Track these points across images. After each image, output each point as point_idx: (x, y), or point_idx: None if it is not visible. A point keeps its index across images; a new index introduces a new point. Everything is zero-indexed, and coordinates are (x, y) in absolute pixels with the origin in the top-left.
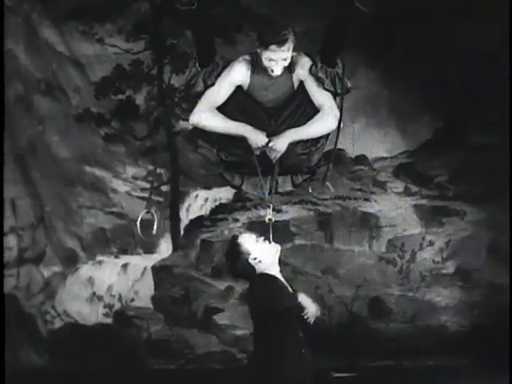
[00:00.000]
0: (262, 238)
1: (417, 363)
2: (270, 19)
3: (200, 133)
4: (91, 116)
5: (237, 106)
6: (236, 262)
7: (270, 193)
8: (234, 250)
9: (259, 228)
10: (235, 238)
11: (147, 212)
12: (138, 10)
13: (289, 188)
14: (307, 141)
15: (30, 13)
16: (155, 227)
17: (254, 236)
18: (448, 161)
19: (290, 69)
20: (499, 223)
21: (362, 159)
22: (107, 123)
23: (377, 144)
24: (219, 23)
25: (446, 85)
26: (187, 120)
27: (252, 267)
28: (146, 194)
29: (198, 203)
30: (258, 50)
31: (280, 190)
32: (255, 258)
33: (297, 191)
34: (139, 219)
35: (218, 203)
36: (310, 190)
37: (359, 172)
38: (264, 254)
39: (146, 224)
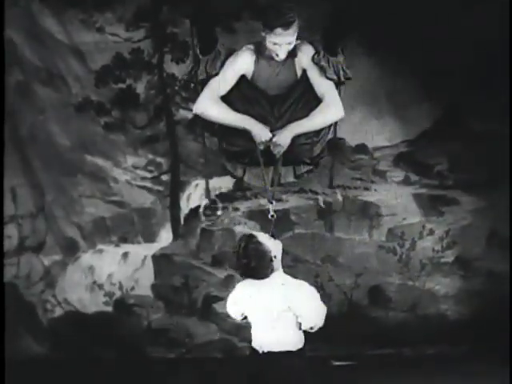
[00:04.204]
0: (269, 234)
1: (416, 352)
2: (272, 4)
3: (200, 122)
4: (91, 105)
5: (240, 95)
6: (261, 262)
7: (272, 185)
8: (257, 249)
9: (259, 217)
10: (254, 236)
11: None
12: None
13: (291, 179)
14: (309, 131)
15: (30, 1)
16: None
17: (265, 234)
18: (448, 149)
19: (293, 57)
20: (499, 212)
21: (361, 148)
22: (107, 112)
23: (376, 133)
24: (218, 11)
25: (446, 73)
26: (187, 109)
27: (272, 265)
28: (146, 183)
29: (198, 192)
30: (263, 34)
31: (282, 180)
32: (275, 256)
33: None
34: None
35: (218, 192)
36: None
37: (359, 161)
38: (277, 251)
39: (147, 213)
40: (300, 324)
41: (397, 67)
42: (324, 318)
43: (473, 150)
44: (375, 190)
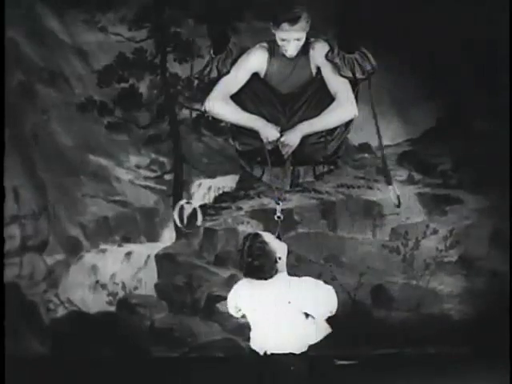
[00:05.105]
0: (275, 235)
1: (419, 351)
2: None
3: (203, 121)
4: (94, 104)
5: (252, 93)
6: (266, 261)
7: (291, 186)
8: (262, 249)
9: (262, 216)
10: (259, 235)
11: (187, 202)
12: None
13: (310, 179)
14: (321, 130)
15: (32, 1)
16: (199, 218)
17: (270, 234)
18: (451, 149)
19: (306, 54)
20: (502, 211)
21: (365, 147)
22: (110, 112)
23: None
24: (222, 12)
25: (449, 72)
26: (190, 108)
27: (276, 266)
28: (149, 183)
29: (201, 192)
30: (273, 31)
31: (301, 180)
32: (280, 258)
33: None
34: (177, 209)
35: (221, 192)
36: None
37: (362, 160)
38: (283, 252)
39: (150, 213)
40: (308, 322)
41: (400, 67)
42: (336, 300)
43: (476, 149)
44: (378, 189)
